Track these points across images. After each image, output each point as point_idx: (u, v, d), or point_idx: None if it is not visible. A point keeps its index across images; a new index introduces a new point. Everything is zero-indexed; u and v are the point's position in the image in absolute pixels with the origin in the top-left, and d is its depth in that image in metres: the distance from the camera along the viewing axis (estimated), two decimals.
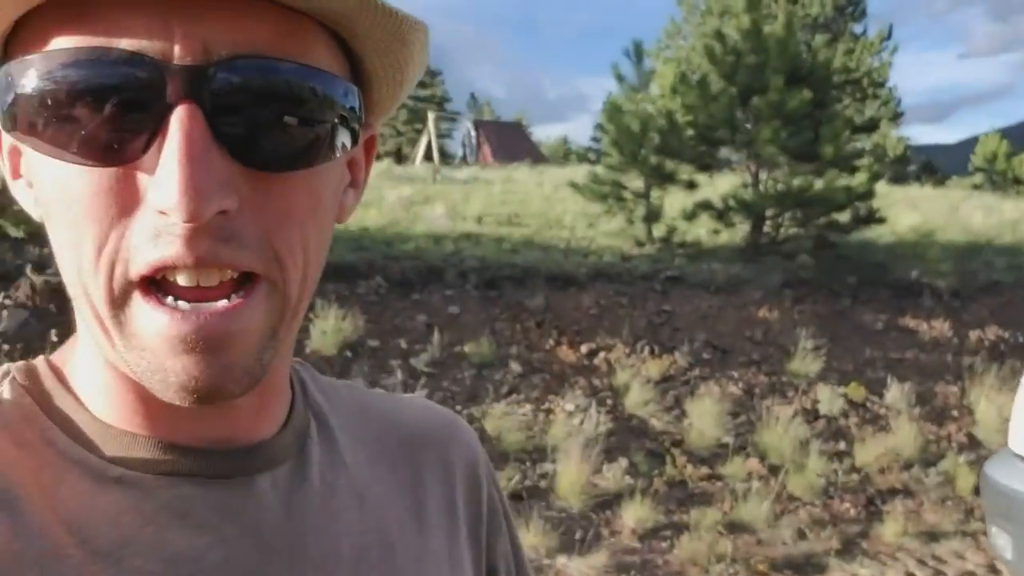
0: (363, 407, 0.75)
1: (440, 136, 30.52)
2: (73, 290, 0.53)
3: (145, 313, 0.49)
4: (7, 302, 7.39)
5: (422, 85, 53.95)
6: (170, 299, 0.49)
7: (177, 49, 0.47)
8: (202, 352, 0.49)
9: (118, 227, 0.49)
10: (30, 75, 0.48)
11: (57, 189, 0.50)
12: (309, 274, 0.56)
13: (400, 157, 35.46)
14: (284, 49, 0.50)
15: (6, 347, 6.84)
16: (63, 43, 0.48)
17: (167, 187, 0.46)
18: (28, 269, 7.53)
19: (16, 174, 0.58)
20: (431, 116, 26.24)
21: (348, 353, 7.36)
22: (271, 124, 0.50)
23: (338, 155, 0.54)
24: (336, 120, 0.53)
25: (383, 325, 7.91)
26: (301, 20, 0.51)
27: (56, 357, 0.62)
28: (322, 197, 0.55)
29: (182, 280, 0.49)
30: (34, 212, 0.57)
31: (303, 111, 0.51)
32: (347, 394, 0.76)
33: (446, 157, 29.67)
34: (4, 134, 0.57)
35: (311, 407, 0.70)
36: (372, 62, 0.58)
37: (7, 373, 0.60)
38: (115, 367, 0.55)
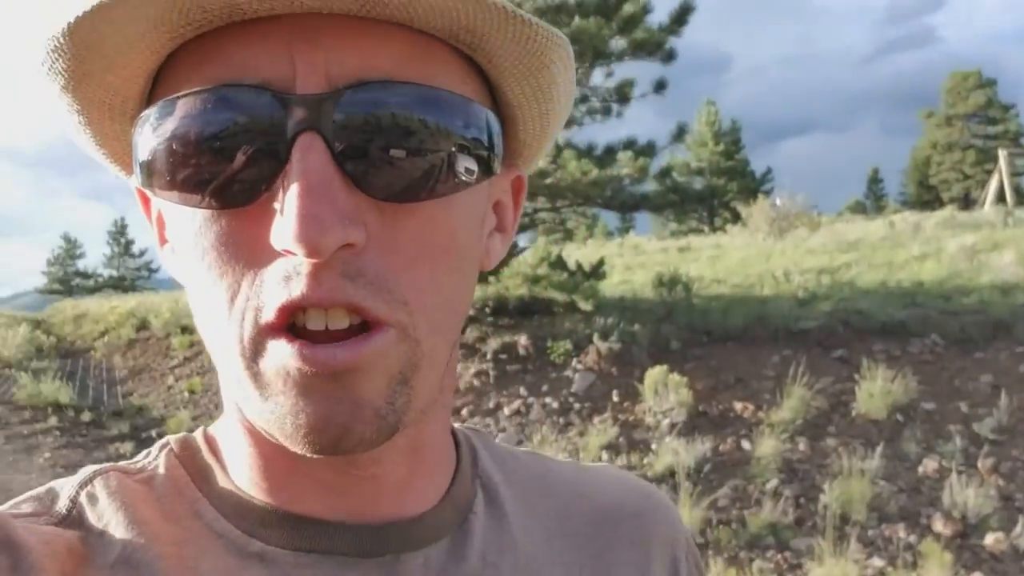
0: (546, 478, 0.68)
1: (1015, 174, 27.17)
2: (213, 350, 0.52)
3: (276, 351, 0.47)
4: (578, 366, 8.40)
5: (991, 121, 48.63)
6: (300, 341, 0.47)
7: (299, 79, 0.46)
8: (331, 386, 0.47)
9: (249, 275, 0.48)
10: (152, 124, 0.48)
11: (191, 241, 0.50)
12: (445, 321, 0.52)
13: (967, 202, 32.27)
14: (410, 73, 0.48)
15: (576, 406, 7.77)
16: (188, 88, 0.48)
17: (287, 222, 0.44)
18: (595, 337, 8.49)
19: (163, 240, 0.58)
20: (1003, 154, 23.56)
21: (899, 417, 6.88)
22: (396, 151, 0.47)
23: (469, 181, 0.51)
24: (466, 145, 0.50)
25: (939, 387, 7.24)
26: (430, 43, 0.49)
27: (212, 427, 0.61)
28: (456, 234, 0.52)
29: (311, 323, 0.47)
30: (179, 277, 0.56)
31: (430, 136, 0.48)
32: (528, 463, 0.69)
33: (1022, 198, 26.26)
34: (152, 200, 0.58)
35: (480, 478, 0.64)
36: (512, 89, 0.54)
37: (165, 445, 0.59)
38: (255, 433, 0.54)
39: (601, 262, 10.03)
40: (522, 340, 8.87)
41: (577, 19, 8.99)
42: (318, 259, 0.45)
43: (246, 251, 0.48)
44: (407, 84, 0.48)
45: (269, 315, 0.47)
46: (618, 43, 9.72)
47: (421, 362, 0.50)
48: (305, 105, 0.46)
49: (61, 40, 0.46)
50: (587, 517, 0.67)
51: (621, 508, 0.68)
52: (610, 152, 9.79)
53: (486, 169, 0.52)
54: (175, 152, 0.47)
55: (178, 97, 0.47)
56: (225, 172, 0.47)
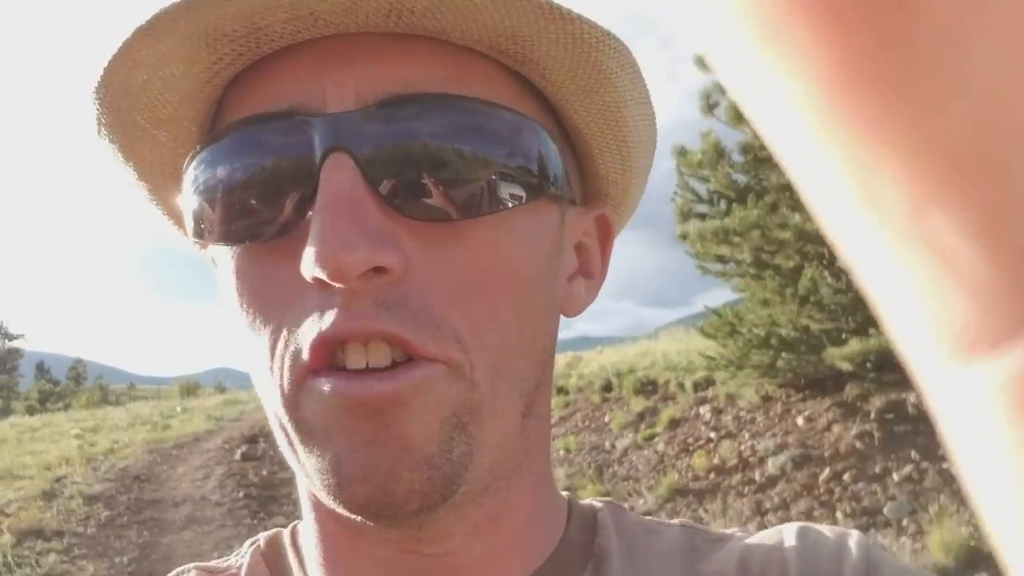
0: (688, 553, 0.56)
1: None
2: (268, 413, 0.49)
3: (314, 391, 0.44)
4: None
5: None
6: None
7: (329, 100, 0.44)
8: (372, 426, 0.43)
9: (289, 319, 0.45)
10: (190, 174, 0.48)
11: (234, 291, 0.47)
12: (510, 365, 0.46)
13: None
14: (446, 87, 0.45)
15: None
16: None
17: (309, 245, 0.41)
18: None
19: None
20: None
21: None
22: (432, 168, 0.43)
23: (518, 199, 0.46)
24: (513, 159, 0.45)
25: None
26: (473, 59, 0.46)
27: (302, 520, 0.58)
28: (516, 265, 0.46)
29: (351, 361, 0.43)
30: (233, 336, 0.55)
31: (470, 150, 0.44)
32: (667, 536, 0.58)
33: None
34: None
35: (594, 553, 0.55)
36: (577, 111, 0.50)
37: (254, 542, 0.58)
38: (320, 508, 0.51)
39: None
40: (911, 398, 7.97)
41: None
42: (343, 283, 0.41)
43: (284, 291, 0.45)
44: (441, 96, 0.44)
45: (305, 355, 0.44)
46: None
47: (480, 407, 0.45)
48: (331, 124, 0.43)
49: (103, 91, 0.45)
50: None
51: (763, 561, 0.56)
52: None
53: (538, 187, 0.47)
54: (209, 196, 0.46)
55: (207, 141, 0.46)
56: (259, 206, 0.45)
